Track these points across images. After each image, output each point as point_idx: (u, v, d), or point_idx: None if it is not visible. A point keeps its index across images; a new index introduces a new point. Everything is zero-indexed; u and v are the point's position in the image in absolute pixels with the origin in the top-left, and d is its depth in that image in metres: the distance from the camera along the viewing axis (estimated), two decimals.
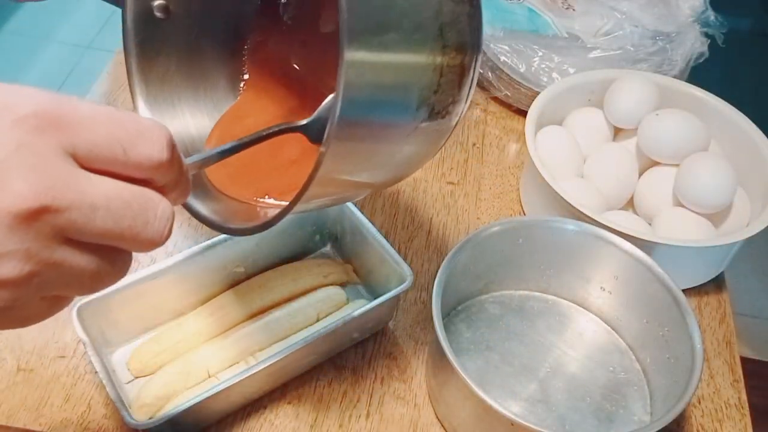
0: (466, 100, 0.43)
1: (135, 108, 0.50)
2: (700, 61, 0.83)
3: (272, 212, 0.41)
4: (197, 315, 0.59)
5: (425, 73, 0.39)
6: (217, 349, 0.57)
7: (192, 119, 0.52)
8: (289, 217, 0.63)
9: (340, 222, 0.64)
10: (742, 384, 0.62)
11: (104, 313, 0.56)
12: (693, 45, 0.81)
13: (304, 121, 0.45)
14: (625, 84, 0.73)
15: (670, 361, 0.57)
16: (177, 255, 0.58)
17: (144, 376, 0.56)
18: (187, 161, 0.35)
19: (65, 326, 0.60)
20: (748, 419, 0.59)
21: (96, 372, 0.52)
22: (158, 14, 0.49)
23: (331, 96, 0.45)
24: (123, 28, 0.48)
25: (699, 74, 0.84)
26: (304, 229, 0.64)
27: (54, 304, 0.32)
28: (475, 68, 0.42)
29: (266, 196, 0.47)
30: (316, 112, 0.45)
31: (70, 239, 0.29)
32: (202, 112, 0.53)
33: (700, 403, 0.60)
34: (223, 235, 0.59)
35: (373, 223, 0.61)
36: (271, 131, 0.43)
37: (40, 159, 0.28)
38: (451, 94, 0.41)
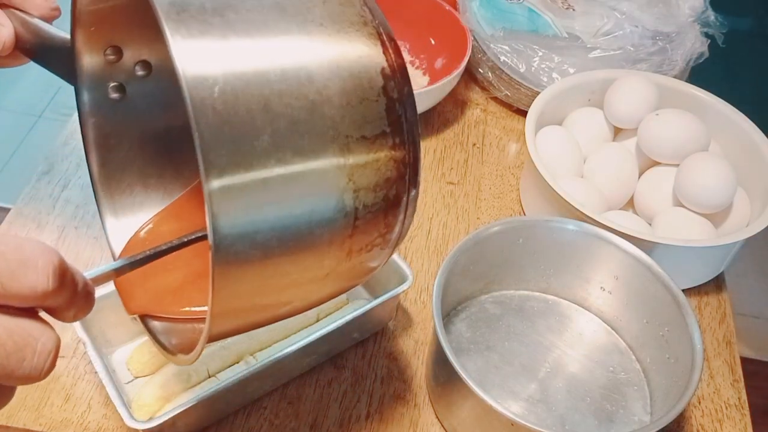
0: (404, 225, 0.38)
1: (98, 205, 0.48)
2: (700, 61, 0.83)
3: (195, 340, 0.38)
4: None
5: (331, 213, 0.34)
6: (217, 349, 0.57)
7: (159, 205, 0.49)
8: None
9: None
10: (742, 384, 0.62)
11: (104, 313, 0.55)
12: (693, 45, 0.81)
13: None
14: (625, 84, 0.73)
15: (670, 361, 0.57)
16: None
17: (144, 376, 0.56)
18: (89, 274, 0.34)
19: (65, 326, 0.60)
20: (748, 419, 0.59)
21: (96, 372, 0.52)
22: (114, 95, 0.47)
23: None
24: (79, 112, 0.46)
25: (699, 74, 0.84)
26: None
27: None
28: (410, 195, 0.37)
29: (188, 307, 0.44)
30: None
31: None
32: (163, 202, 0.49)
33: (700, 403, 0.60)
34: None
35: None
36: (178, 242, 0.40)
37: None
38: (376, 229, 0.36)
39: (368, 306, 0.56)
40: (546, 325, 0.63)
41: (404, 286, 0.57)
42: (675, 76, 0.79)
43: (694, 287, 0.67)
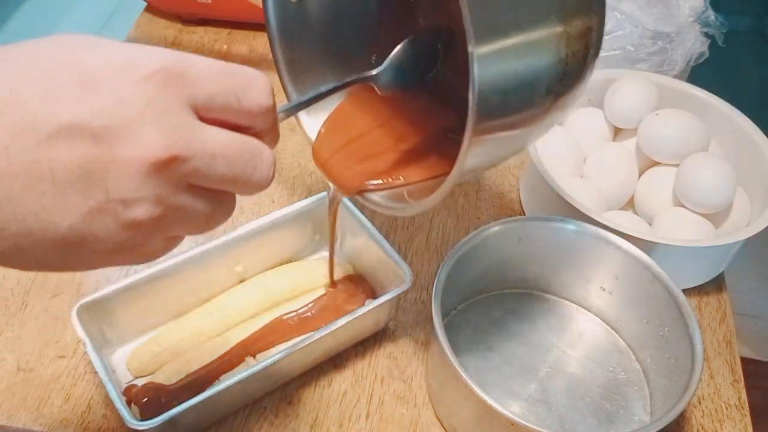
0: (593, 69, 0.44)
1: (286, 94, 0.55)
2: (701, 61, 0.83)
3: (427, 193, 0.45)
4: (197, 315, 0.59)
5: (551, 59, 0.40)
6: (217, 349, 0.57)
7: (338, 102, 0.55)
8: (289, 216, 0.64)
9: (340, 222, 0.64)
10: (742, 384, 0.62)
11: (104, 313, 0.56)
12: (693, 45, 0.81)
13: (374, 71, 0.48)
14: (625, 84, 0.73)
15: (670, 361, 0.57)
16: (177, 255, 0.58)
17: (144, 376, 0.56)
18: (278, 109, 0.38)
19: (65, 326, 0.60)
20: (748, 419, 0.59)
21: (96, 372, 0.52)
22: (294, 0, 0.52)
23: (401, 44, 0.49)
24: (265, 16, 0.52)
25: (699, 74, 0.84)
26: (304, 229, 0.64)
27: (172, 241, 0.36)
28: (599, 41, 0.43)
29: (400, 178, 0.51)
30: (385, 61, 0.49)
31: (192, 185, 0.33)
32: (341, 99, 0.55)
33: (700, 403, 0.60)
34: (223, 236, 0.59)
35: (373, 223, 0.61)
36: (345, 82, 0.47)
37: (167, 113, 0.31)
38: (579, 73, 0.42)
39: (368, 306, 0.56)
40: (546, 325, 0.63)
41: (404, 286, 0.57)
42: (675, 76, 0.79)
43: (694, 287, 0.67)
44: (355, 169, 0.52)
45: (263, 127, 0.35)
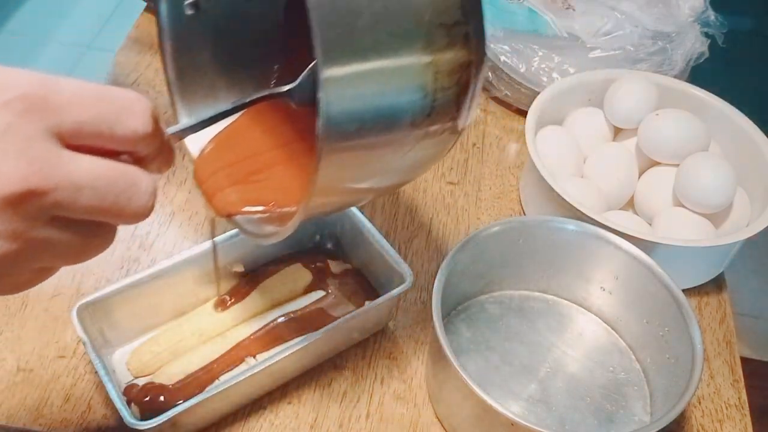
0: (469, 110, 0.42)
1: (173, 108, 0.52)
2: (701, 61, 0.83)
3: (282, 223, 0.43)
4: (197, 315, 0.59)
5: (415, 92, 0.38)
6: (217, 349, 0.57)
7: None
8: None
9: (340, 222, 0.64)
10: (742, 384, 0.62)
11: (104, 313, 0.56)
12: (693, 45, 0.81)
13: (286, 87, 0.46)
14: (625, 84, 0.73)
15: (670, 361, 0.57)
16: (177, 255, 0.58)
17: (144, 376, 0.56)
18: (169, 131, 0.37)
19: (65, 326, 0.60)
20: (748, 419, 0.59)
21: (96, 372, 0.52)
22: (188, 11, 0.50)
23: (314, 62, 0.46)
24: (158, 24, 0.50)
25: (699, 74, 0.84)
26: (304, 229, 0.64)
27: (43, 273, 0.34)
28: (477, 81, 0.41)
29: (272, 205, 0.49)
30: (299, 78, 0.46)
31: (57, 217, 0.31)
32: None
33: (700, 403, 0.60)
34: (223, 236, 0.59)
35: (373, 223, 0.61)
36: (252, 99, 0.44)
37: (26, 142, 0.29)
38: (449, 112, 0.40)
39: (368, 306, 0.56)
40: (546, 325, 0.63)
41: (404, 286, 0.57)
42: (675, 76, 0.79)
43: (694, 287, 0.67)
44: (228, 192, 0.49)
45: (147, 152, 0.33)
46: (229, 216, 0.49)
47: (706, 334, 0.65)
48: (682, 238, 0.64)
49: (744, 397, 0.61)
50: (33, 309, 0.61)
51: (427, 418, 0.57)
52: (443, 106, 0.39)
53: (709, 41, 0.82)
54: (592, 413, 0.57)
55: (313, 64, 0.44)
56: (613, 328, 0.63)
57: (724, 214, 0.68)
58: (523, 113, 0.78)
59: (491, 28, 0.83)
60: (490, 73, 0.83)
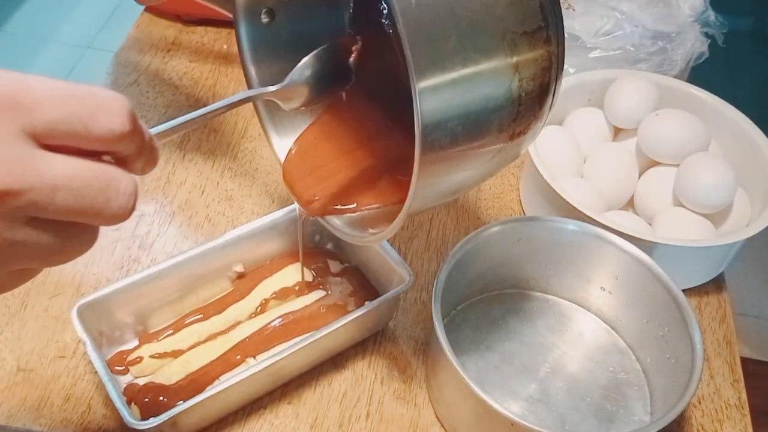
0: (551, 109, 0.43)
1: (259, 119, 0.55)
2: (701, 61, 0.83)
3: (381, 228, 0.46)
4: (198, 316, 0.59)
5: (502, 100, 0.39)
6: (217, 349, 0.57)
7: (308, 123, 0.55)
8: (289, 216, 0.64)
9: None
10: (742, 384, 0.62)
11: (104, 313, 0.56)
12: (693, 45, 0.81)
13: (274, 88, 0.47)
14: (625, 84, 0.73)
15: (671, 361, 0.57)
16: (177, 255, 0.58)
17: (144, 376, 0.56)
18: (153, 131, 0.36)
19: (65, 326, 0.60)
20: (748, 419, 0.59)
21: (96, 372, 0.52)
22: (264, 19, 0.52)
23: (306, 57, 0.49)
24: (237, 38, 0.52)
25: (699, 74, 0.84)
26: (304, 229, 0.64)
27: (22, 276, 0.33)
28: (558, 81, 0.42)
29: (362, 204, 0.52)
30: (287, 78, 0.48)
31: (34, 218, 0.30)
32: (310, 120, 0.55)
33: (700, 403, 0.60)
34: (223, 236, 0.59)
35: None
36: (238, 99, 0.45)
37: None
38: (533, 114, 0.42)
39: (368, 306, 0.56)
40: (546, 325, 0.63)
41: (404, 286, 0.57)
42: (675, 76, 0.79)
43: (694, 287, 0.67)
44: (319, 192, 0.52)
45: (127, 152, 0.32)
46: (322, 215, 0.51)
47: (706, 334, 0.65)
48: (682, 238, 0.64)
49: (744, 397, 0.61)
50: (33, 309, 0.61)
51: (428, 418, 0.57)
52: (528, 109, 0.41)
53: (709, 41, 0.82)
54: (592, 413, 0.57)
55: (302, 62, 0.48)
56: (613, 328, 0.63)
57: (724, 214, 0.68)
58: None
59: None
60: None
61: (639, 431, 0.50)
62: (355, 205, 0.51)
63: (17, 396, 0.56)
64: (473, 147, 0.40)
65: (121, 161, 0.33)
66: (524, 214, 0.73)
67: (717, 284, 0.68)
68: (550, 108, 0.43)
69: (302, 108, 0.51)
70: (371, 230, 0.49)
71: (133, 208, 0.33)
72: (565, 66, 0.79)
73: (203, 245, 0.59)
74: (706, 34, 0.82)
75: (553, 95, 0.42)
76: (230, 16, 0.52)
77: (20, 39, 2.06)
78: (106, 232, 0.67)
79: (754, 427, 0.59)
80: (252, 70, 0.54)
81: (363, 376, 0.59)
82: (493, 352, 0.60)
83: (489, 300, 0.64)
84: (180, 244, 0.66)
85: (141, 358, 0.56)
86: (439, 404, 0.57)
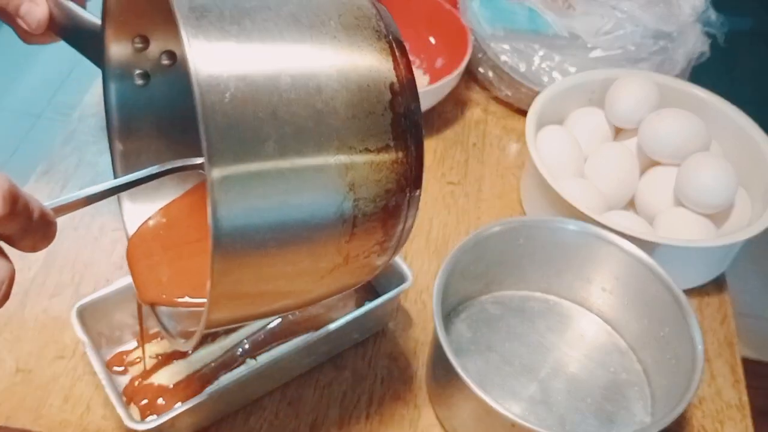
0: (404, 236, 0.39)
1: (114, 174, 0.49)
2: (702, 60, 0.82)
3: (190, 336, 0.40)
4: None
5: (330, 219, 0.35)
6: (217, 350, 0.57)
7: (173, 194, 0.50)
8: None
9: None
10: (743, 385, 0.61)
11: (104, 313, 0.56)
12: (694, 44, 0.81)
13: (200, 160, 0.42)
14: (625, 84, 0.73)
15: (671, 362, 0.57)
16: None
17: (144, 376, 0.56)
18: (52, 204, 0.34)
19: (64, 327, 0.60)
20: (749, 420, 0.59)
21: (95, 373, 0.52)
22: (139, 81, 0.48)
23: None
24: (105, 96, 0.48)
25: (700, 74, 0.84)
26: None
27: None
28: (409, 205, 0.37)
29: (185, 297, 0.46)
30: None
31: None
32: (177, 190, 0.50)
33: (701, 403, 0.60)
34: None
35: None
36: (157, 171, 0.41)
37: None
38: (373, 237, 0.37)
39: (368, 306, 0.56)
40: (546, 325, 0.63)
41: (404, 287, 0.56)
42: (676, 76, 0.79)
43: (695, 288, 0.67)
44: (155, 280, 0.47)
45: (9, 233, 0.31)
46: (151, 305, 0.46)
47: (707, 335, 0.65)
48: (683, 238, 0.64)
49: (745, 397, 0.61)
50: (32, 310, 0.61)
51: (428, 418, 0.57)
52: (367, 232, 0.36)
53: (710, 41, 0.82)
54: (592, 414, 0.57)
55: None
56: (613, 329, 0.63)
57: (725, 214, 0.68)
58: (524, 113, 0.78)
59: (492, 27, 0.83)
60: (490, 73, 0.83)
61: None
62: (186, 299, 0.45)
63: (16, 396, 0.56)
64: (292, 264, 0.35)
65: (6, 240, 0.31)
66: (524, 214, 0.73)
67: (718, 284, 0.68)
68: (405, 230, 0.39)
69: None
70: (187, 330, 0.44)
71: (4, 298, 0.31)
72: (566, 65, 0.79)
73: None
74: (707, 34, 0.82)
75: (405, 219, 0.38)
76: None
77: (19, 39, 2.05)
78: (106, 232, 0.67)
79: (754, 428, 0.59)
80: (115, 137, 0.49)
81: (363, 377, 0.59)
82: (493, 353, 0.60)
83: (489, 300, 0.64)
84: None
85: (140, 359, 0.56)
86: (440, 405, 0.56)
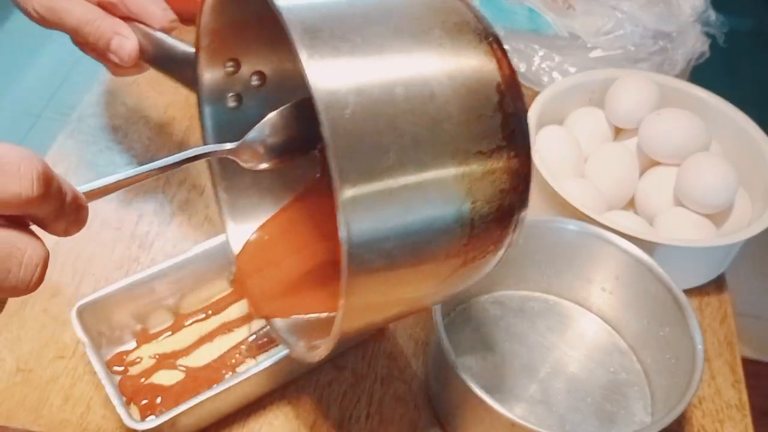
0: (515, 233, 0.40)
1: (216, 202, 0.50)
2: (701, 60, 0.82)
3: (319, 349, 0.41)
4: (197, 316, 0.59)
5: (450, 223, 0.36)
6: (217, 350, 0.57)
7: (272, 210, 0.52)
8: None
9: None
10: (743, 385, 0.61)
11: (104, 313, 0.56)
12: (694, 44, 0.81)
13: (230, 145, 0.44)
14: (625, 84, 0.73)
15: (671, 362, 0.57)
16: (177, 255, 0.58)
17: (144, 376, 0.56)
18: (84, 188, 0.34)
19: (64, 326, 0.60)
20: (749, 420, 0.59)
21: (95, 372, 0.52)
22: (231, 104, 0.49)
23: (270, 114, 0.45)
24: (201, 120, 0.49)
25: (700, 74, 0.84)
26: None
27: None
28: (522, 202, 0.39)
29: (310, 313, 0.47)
30: (248, 134, 0.44)
31: None
32: (275, 207, 0.52)
33: (701, 403, 0.60)
34: (222, 236, 0.59)
35: None
36: (187, 156, 0.41)
37: None
38: (490, 238, 0.38)
39: None
40: (546, 325, 0.63)
41: None
42: (676, 76, 0.79)
43: (695, 287, 0.67)
44: (271, 294, 0.48)
45: (42, 215, 0.30)
46: (267, 318, 0.47)
47: (707, 335, 0.65)
48: (683, 238, 0.64)
49: (745, 397, 0.61)
50: (32, 309, 0.61)
51: (428, 419, 0.57)
52: (484, 233, 0.38)
53: (710, 41, 0.82)
54: (593, 414, 0.57)
55: (262, 121, 0.44)
56: (613, 329, 0.63)
57: (725, 214, 0.68)
58: None
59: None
60: None
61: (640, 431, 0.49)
62: (306, 308, 0.47)
63: (16, 396, 0.56)
64: (416, 271, 0.37)
65: (39, 223, 0.31)
66: None
67: (718, 284, 0.68)
68: (517, 231, 0.40)
69: (266, 168, 0.46)
70: (310, 343, 0.44)
71: (37, 283, 0.30)
72: (566, 65, 0.79)
73: (203, 245, 0.58)
74: (707, 34, 0.82)
75: (517, 219, 0.39)
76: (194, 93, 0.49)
77: (20, 39, 2.05)
78: (106, 232, 0.67)
79: (754, 428, 0.59)
80: (217, 171, 0.50)
81: (363, 377, 0.59)
82: (493, 353, 0.60)
83: (489, 300, 0.64)
84: (180, 244, 0.66)
85: (141, 359, 0.56)
86: (440, 405, 0.56)
